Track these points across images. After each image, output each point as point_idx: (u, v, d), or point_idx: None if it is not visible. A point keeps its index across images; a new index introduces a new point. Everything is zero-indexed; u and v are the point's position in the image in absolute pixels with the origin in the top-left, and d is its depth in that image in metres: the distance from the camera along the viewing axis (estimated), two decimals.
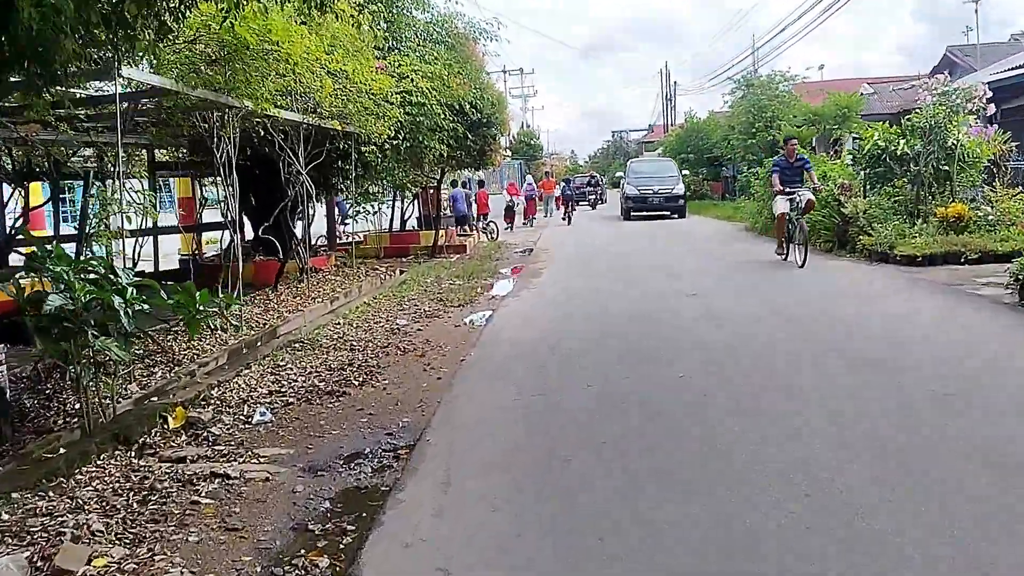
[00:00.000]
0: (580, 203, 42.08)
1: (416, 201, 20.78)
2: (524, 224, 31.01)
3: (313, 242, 15.76)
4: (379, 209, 17.42)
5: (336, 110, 12.01)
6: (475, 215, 24.17)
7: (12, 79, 5.31)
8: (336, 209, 18.10)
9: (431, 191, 19.07)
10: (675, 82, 46.95)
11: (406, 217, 20.76)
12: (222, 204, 11.39)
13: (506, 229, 27.39)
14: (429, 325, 9.49)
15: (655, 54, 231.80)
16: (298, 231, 13.08)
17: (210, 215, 17.85)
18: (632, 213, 28.15)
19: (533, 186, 36.20)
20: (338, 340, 8.59)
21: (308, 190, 11.54)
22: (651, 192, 28.21)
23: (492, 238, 23.10)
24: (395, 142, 14.56)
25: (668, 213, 28.35)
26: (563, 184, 35.04)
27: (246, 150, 10.54)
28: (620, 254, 16.90)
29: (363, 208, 17.34)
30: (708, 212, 29.96)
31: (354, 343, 8.44)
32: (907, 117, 15.26)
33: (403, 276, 14.27)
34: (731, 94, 33.47)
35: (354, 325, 9.44)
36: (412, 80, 13.50)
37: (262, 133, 10.55)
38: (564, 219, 30.72)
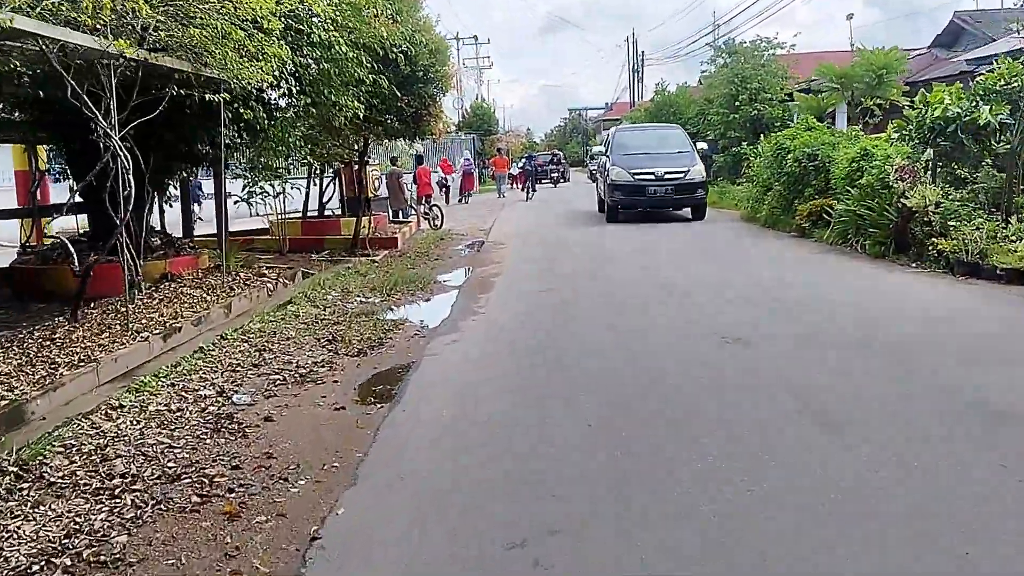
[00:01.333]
0: (542, 181, 39.31)
1: (336, 181, 16.44)
2: (460, 200, 30.89)
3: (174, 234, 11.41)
4: (284, 191, 13.14)
5: (178, 40, 7.74)
6: (414, 197, 19.86)
7: None
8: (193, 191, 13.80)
9: (355, 168, 14.71)
10: (642, 52, 43.00)
11: (325, 200, 16.42)
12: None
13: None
14: (290, 406, 5.29)
15: (613, 32, 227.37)
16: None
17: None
18: (622, 210, 17.12)
19: (470, 161, 33.75)
20: (85, 461, 4.33)
21: (122, 161, 7.19)
22: (653, 178, 17.06)
23: (436, 226, 18.87)
24: (290, 98, 10.35)
25: (681, 211, 17.97)
26: (524, 160, 35.89)
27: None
28: (605, 286, 11.56)
29: (258, 189, 12.97)
30: None
31: (116, 472, 4.19)
32: (980, 77, 11.41)
33: (294, 288, 10.01)
34: (710, 63, 29.60)
35: (145, 412, 5.12)
36: (305, 2, 9.16)
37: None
38: (525, 196, 30.75)
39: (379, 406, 5.24)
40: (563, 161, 45.63)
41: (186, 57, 8.00)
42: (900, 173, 10.60)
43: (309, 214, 16.28)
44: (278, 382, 5.79)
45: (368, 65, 10.70)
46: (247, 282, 10.08)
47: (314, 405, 5.30)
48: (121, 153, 7.23)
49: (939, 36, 26.91)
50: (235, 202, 13.34)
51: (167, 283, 9.47)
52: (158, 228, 11.86)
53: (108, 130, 7.12)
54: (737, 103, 26.25)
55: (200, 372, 6.00)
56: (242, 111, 8.96)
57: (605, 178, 17.95)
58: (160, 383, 5.65)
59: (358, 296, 9.28)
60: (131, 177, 7.52)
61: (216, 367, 6.15)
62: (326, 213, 16.32)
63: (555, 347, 6.43)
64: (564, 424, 4.66)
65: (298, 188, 13.85)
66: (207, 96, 7.89)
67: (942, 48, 26.65)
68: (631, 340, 6.62)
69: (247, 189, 13.20)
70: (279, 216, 13.62)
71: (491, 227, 18.79)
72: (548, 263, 11.90)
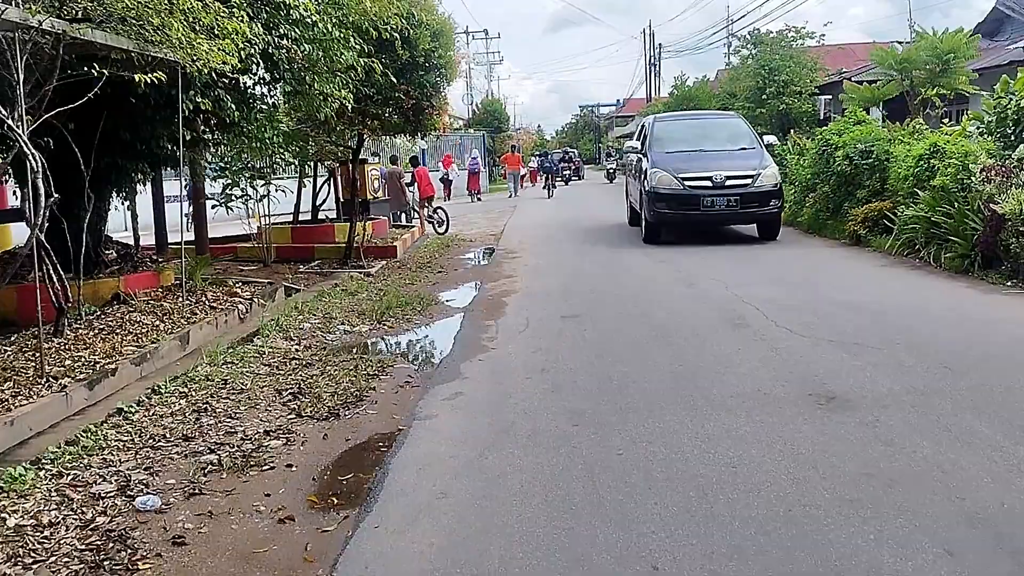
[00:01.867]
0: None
1: (331, 181, 14.85)
2: (470, 200, 29.95)
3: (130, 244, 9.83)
4: (268, 193, 11.54)
5: (109, 7, 6.18)
6: (416, 199, 18.24)
7: None
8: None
9: (352, 167, 13.08)
10: (659, 44, 41.15)
11: (319, 203, 14.83)
12: None
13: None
14: (216, 513, 3.64)
15: (623, 29, 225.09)
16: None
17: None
18: (666, 228, 12.91)
19: (477, 161, 32.33)
20: None
21: (32, 161, 5.59)
22: (709, 185, 12.67)
23: (440, 231, 17.29)
24: (266, 86, 8.83)
25: (748, 228, 13.62)
26: (540, 157, 36.64)
27: None
28: (644, 308, 9.44)
29: (238, 191, 11.39)
30: None
31: None
32: None
33: (272, 310, 8.40)
34: (733, 53, 27.85)
35: None
36: None
37: None
38: (547, 193, 30.58)
39: (343, 515, 3.61)
40: (576, 158, 45.35)
41: (125, 32, 6.41)
42: (988, 173, 8.90)
43: (302, 218, 14.70)
44: (210, 467, 4.16)
45: (359, 47, 9.09)
46: (215, 304, 8.47)
47: (251, 513, 3.67)
48: (30, 151, 5.64)
49: (981, 24, 25.03)
50: (213, 206, 11.81)
51: (118, 306, 7.90)
52: (126, 241, 10.31)
53: (12, 123, 5.53)
54: (764, 96, 24.50)
55: (107, 451, 4.38)
56: (200, 100, 7.37)
57: (641, 183, 13.04)
58: (41, 474, 4.03)
59: (342, 324, 7.66)
60: (73, 179, 5.97)
61: (132, 442, 4.53)
62: (320, 217, 14.73)
63: (591, 418, 4.77)
64: None
65: (285, 190, 12.23)
66: (149, 78, 6.25)
67: (985, 37, 24.79)
68: (695, 400, 4.96)
69: (225, 191, 11.69)
70: (264, 221, 12.02)
71: (502, 231, 17.15)
72: (569, 278, 10.27)
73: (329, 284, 10.10)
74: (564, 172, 40.28)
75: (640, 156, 13.57)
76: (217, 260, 12.43)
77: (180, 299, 8.11)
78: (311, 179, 14.85)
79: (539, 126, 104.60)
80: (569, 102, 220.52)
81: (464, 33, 49.64)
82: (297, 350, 6.68)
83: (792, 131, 25.29)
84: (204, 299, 8.55)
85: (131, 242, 11.16)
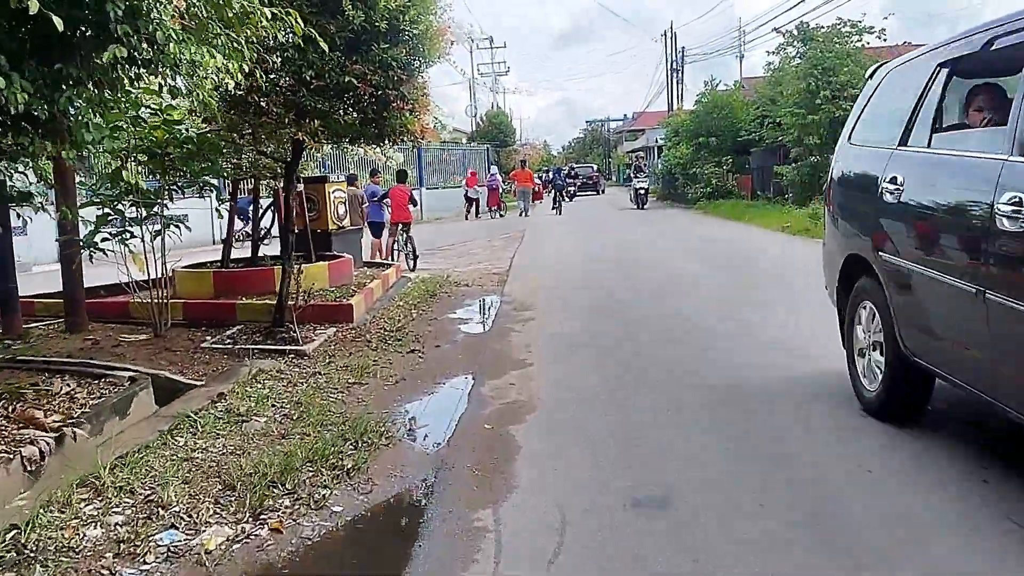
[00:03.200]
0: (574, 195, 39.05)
1: (276, 206, 10.89)
2: (490, 215, 29.55)
3: None
4: (166, 225, 7.58)
5: None
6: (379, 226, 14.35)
7: None
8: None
9: (287, 185, 9.03)
10: (683, 48, 37.07)
11: (260, 233, 10.84)
12: None
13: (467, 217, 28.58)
14: None
15: (632, 44, 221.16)
16: None
17: None
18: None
19: (497, 177, 29.36)
20: None
21: None
22: None
23: (409, 266, 13.52)
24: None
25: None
26: (552, 173, 36.94)
27: None
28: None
29: (110, 216, 7.45)
30: (762, 221, 20.19)
31: None
32: None
33: (90, 449, 4.35)
34: (776, 53, 23.86)
35: None
36: None
37: None
38: (555, 211, 29.83)
39: None
40: (595, 173, 48.95)
41: None
42: None
43: (242, 255, 10.70)
44: None
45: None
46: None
47: None
48: None
49: None
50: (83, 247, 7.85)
51: None
52: None
53: None
54: (818, 101, 20.50)
55: None
56: None
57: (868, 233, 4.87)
58: None
59: (170, 527, 3.62)
60: None
61: None
62: (264, 255, 10.70)
63: None
64: None
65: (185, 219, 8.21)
66: None
67: None
68: None
69: (98, 226, 7.75)
70: (157, 264, 7.98)
71: (509, 269, 13.14)
72: (624, 371, 6.24)
73: (226, 383, 6.07)
74: (569, 189, 36.90)
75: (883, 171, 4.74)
76: (100, 320, 8.50)
77: None
78: (253, 200, 10.82)
79: (545, 141, 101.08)
80: (576, 117, 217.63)
81: (469, 41, 45.95)
82: None
83: None
84: None
85: None
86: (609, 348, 7.00)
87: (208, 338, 7.91)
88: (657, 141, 57.01)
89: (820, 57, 20.83)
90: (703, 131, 27.97)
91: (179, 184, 7.92)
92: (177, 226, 7.74)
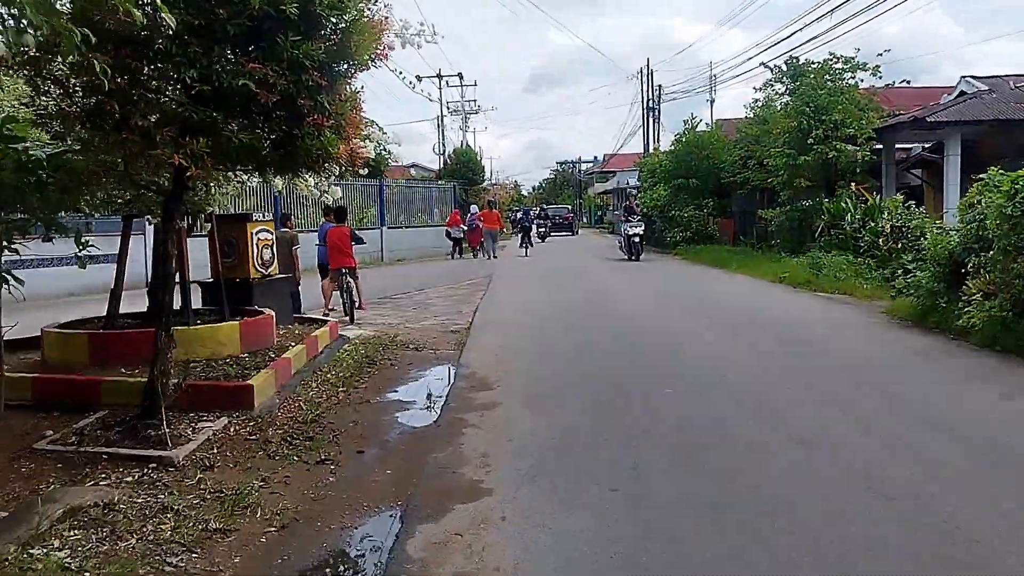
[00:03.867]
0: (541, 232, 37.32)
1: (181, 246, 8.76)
2: (473, 255, 28.32)
3: None
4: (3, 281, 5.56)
5: None
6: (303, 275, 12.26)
7: None
8: None
9: (172, 225, 6.97)
10: (659, 86, 35.62)
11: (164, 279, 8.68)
12: None
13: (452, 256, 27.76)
14: None
15: (601, 88, 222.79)
16: None
17: None
18: None
19: (476, 216, 27.96)
20: None
21: None
22: None
23: (348, 311, 11.57)
24: None
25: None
26: (522, 214, 35.34)
27: None
28: None
29: None
30: (754, 270, 18.32)
31: None
32: None
33: None
34: (762, 89, 22.33)
35: None
36: None
37: None
38: (523, 251, 29.18)
39: None
40: (568, 213, 48.29)
41: None
42: None
43: (140, 308, 8.52)
44: None
45: None
46: None
47: None
48: None
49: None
50: None
51: None
52: None
53: None
54: (810, 141, 18.90)
55: None
56: None
57: None
58: None
59: None
60: None
61: None
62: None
63: None
64: None
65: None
66: None
67: None
68: None
69: None
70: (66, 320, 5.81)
71: (470, 327, 11.08)
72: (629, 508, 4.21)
73: (57, 506, 3.92)
74: (539, 230, 35.34)
75: None
76: None
77: None
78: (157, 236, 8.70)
79: (516, 182, 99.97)
80: (547, 159, 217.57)
81: (437, 77, 44.35)
82: None
83: (837, 187, 19.81)
84: None
85: None
86: (602, 466, 4.94)
87: (51, 432, 5.75)
88: (628, 183, 55.82)
89: (812, 94, 19.30)
90: (682, 172, 26.33)
91: (15, 224, 5.77)
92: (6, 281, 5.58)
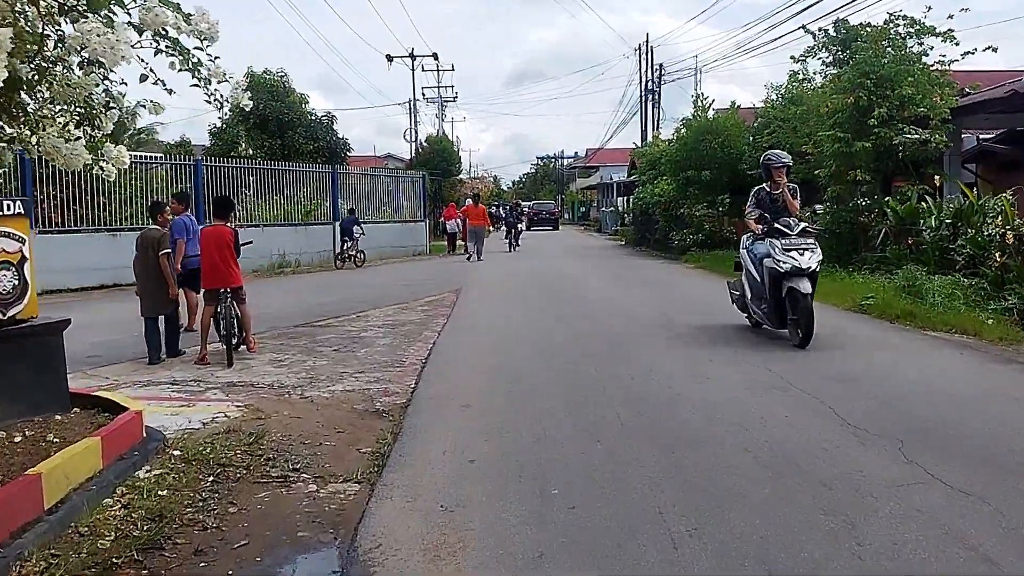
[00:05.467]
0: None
1: None
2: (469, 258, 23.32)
3: None
4: None
5: None
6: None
7: None
8: None
9: None
10: (660, 65, 30.91)
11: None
12: None
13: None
14: None
15: (579, 85, 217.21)
16: None
17: None
18: None
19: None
20: None
21: None
22: None
23: (227, 355, 6.88)
24: None
25: None
26: (506, 211, 33.35)
27: None
28: None
29: None
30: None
31: None
32: None
33: None
34: (801, 59, 17.75)
35: None
36: None
37: None
38: (507, 246, 27.41)
39: None
40: (555, 209, 46.86)
41: None
42: None
43: None
44: None
45: None
46: None
47: None
48: None
49: None
50: None
51: None
52: None
53: None
54: (871, 122, 14.39)
55: None
56: None
57: None
58: None
59: None
60: None
61: None
62: None
63: None
64: None
65: None
66: None
67: None
68: None
69: None
70: None
71: (411, 398, 6.41)
72: None
73: None
74: (518, 226, 31.78)
75: None
76: None
77: None
78: None
79: (495, 176, 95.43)
80: (526, 153, 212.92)
81: (408, 57, 39.48)
82: None
83: (917, 178, 15.30)
84: None
85: None
86: None
87: None
88: (612, 178, 51.28)
89: (874, 63, 14.75)
90: (692, 163, 21.70)
91: None
92: None
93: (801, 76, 17.83)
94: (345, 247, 21.30)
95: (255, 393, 6.58)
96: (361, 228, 21.61)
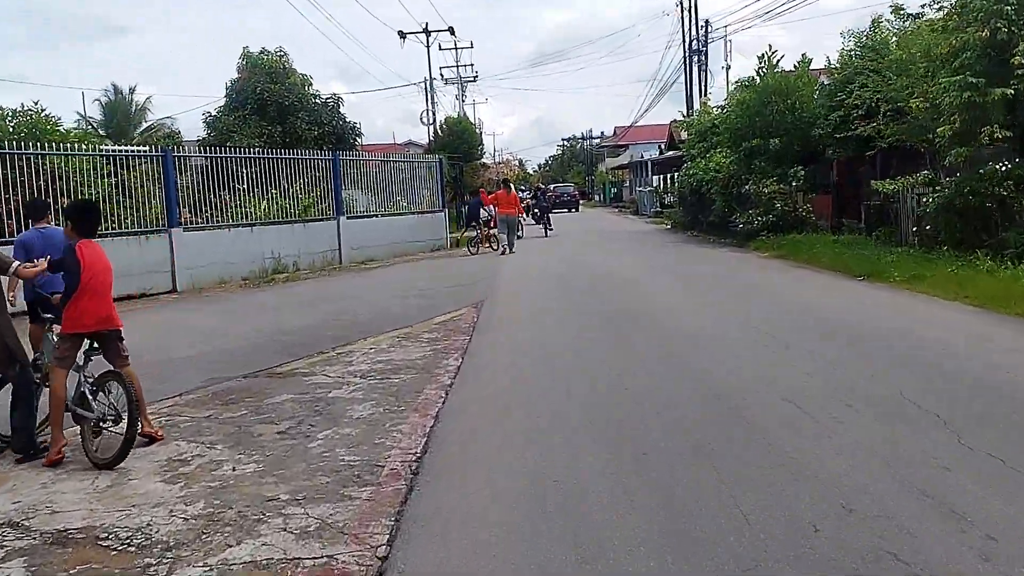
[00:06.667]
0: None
1: None
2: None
3: None
4: None
5: None
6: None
7: None
8: None
9: None
10: (707, 21, 27.06)
11: None
12: None
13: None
14: None
15: (603, 60, 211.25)
16: None
17: None
18: None
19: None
20: None
21: None
22: None
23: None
24: None
25: None
26: (536, 196, 31.33)
27: None
28: None
29: None
30: (942, 290, 9.91)
31: None
32: None
33: None
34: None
35: None
36: None
37: None
38: (542, 230, 26.66)
39: None
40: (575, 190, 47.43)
41: None
42: None
43: None
44: None
45: None
46: None
47: None
48: None
49: None
50: None
51: None
52: None
53: None
54: (1016, 60, 10.77)
55: None
56: None
57: None
58: None
59: None
60: None
61: None
62: None
63: None
64: None
65: None
66: None
67: None
68: None
69: None
70: None
71: (396, 523, 3.13)
72: None
73: None
74: (534, 210, 31.00)
75: None
76: None
77: None
78: None
79: (520, 160, 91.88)
80: (552, 136, 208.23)
81: (423, 32, 36.08)
82: None
83: None
84: None
85: None
86: None
87: None
88: (643, 156, 47.52)
89: None
90: (756, 130, 18.05)
91: None
92: None
93: (903, 11, 14.11)
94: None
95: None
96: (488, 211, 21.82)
